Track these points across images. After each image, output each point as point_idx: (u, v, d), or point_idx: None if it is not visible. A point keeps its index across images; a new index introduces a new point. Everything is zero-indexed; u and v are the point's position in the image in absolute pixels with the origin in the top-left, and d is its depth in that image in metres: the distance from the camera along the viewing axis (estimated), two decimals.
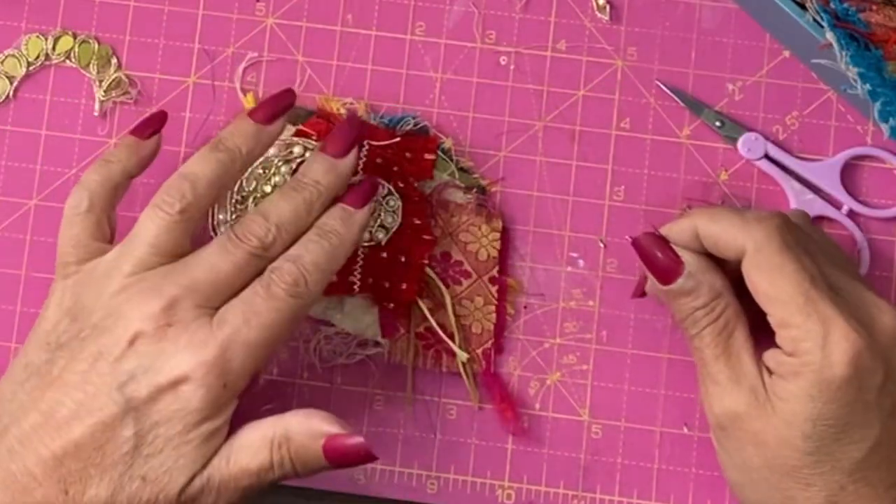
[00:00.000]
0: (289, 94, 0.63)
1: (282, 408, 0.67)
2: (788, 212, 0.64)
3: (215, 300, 0.58)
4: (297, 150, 0.67)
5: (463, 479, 0.67)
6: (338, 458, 0.58)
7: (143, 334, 0.57)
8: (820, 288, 0.57)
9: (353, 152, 0.62)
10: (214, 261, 0.59)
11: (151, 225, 0.59)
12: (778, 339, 0.58)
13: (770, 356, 0.59)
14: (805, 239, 0.60)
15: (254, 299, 0.58)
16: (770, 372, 0.59)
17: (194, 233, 0.61)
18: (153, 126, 0.63)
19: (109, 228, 0.62)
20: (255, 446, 0.58)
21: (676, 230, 0.61)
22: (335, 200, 0.62)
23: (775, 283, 0.58)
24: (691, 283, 0.60)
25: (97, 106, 0.69)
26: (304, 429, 0.58)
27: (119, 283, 0.58)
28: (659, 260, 0.61)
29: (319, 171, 0.61)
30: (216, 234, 0.67)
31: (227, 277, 0.59)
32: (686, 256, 0.60)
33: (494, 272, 0.67)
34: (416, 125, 0.68)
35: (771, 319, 0.58)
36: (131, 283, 0.58)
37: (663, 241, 0.61)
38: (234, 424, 0.67)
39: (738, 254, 0.59)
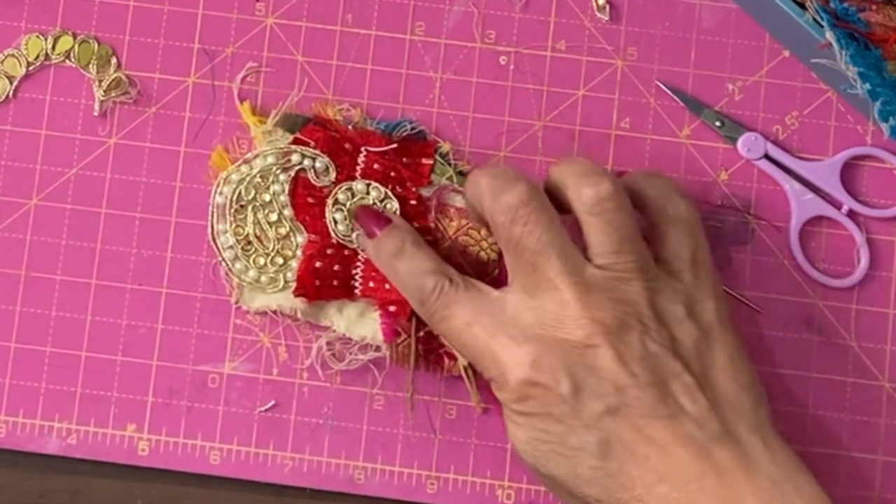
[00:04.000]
0: None
1: (282, 408, 0.67)
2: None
3: None
4: (295, 157, 0.67)
5: (463, 479, 0.67)
6: None
7: None
8: (480, 328, 0.59)
9: None
10: None
11: None
12: None
13: None
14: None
15: None
16: None
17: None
18: None
19: None
20: None
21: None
22: None
23: (453, 345, 0.62)
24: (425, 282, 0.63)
25: (97, 106, 0.69)
26: None
27: None
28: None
29: None
30: (216, 244, 0.67)
31: None
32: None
33: (495, 275, 0.67)
34: (413, 129, 0.68)
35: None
36: None
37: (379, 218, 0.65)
38: (235, 426, 0.67)
39: None
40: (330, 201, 0.67)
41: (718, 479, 0.56)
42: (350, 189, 0.67)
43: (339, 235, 0.67)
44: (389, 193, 0.67)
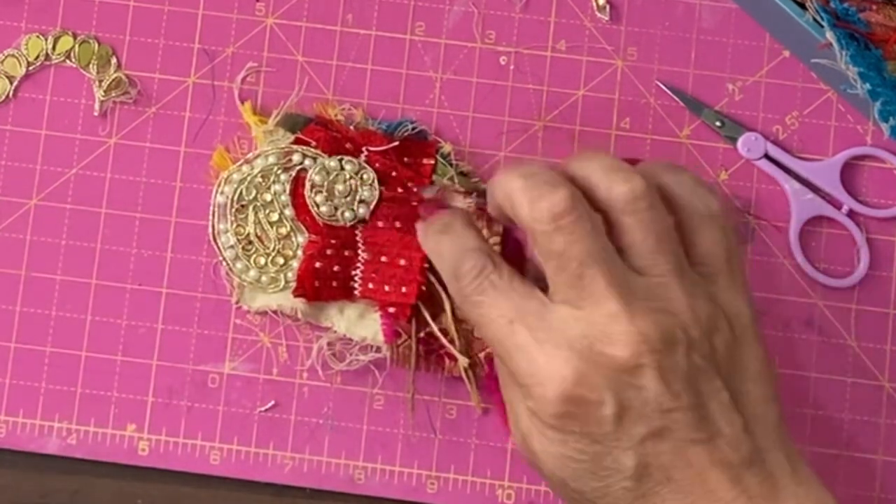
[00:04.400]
0: None
1: (282, 408, 0.67)
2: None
3: None
4: (296, 157, 0.67)
5: (463, 479, 0.67)
6: None
7: None
8: (523, 329, 0.56)
9: None
10: None
11: None
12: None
13: None
14: (570, 230, 0.55)
15: None
16: None
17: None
18: None
19: None
20: None
21: None
22: None
23: (481, 333, 0.58)
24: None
25: (97, 106, 0.69)
26: None
27: None
28: None
29: None
30: (217, 243, 0.67)
31: None
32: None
33: None
34: (414, 130, 0.68)
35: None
36: None
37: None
38: (235, 426, 0.67)
39: None
40: (308, 186, 0.67)
41: (749, 503, 0.55)
42: (324, 168, 0.67)
43: (325, 218, 0.66)
44: (364, 164, 0.67)
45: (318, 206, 0.67)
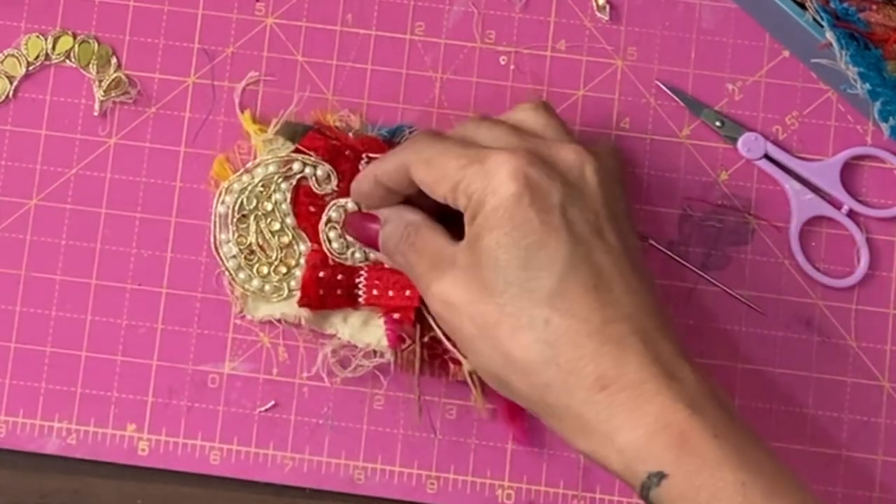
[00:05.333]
0: None
1: (282, 408, 0.67)
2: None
3: None
4: (296, 166, 0.67)
5: (463, 479, 0.67)
6: None
7: None
8: (474, 143, 0.60)
9: None
10: None
11: None
12: (459, 207, 0.59)
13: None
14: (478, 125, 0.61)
15: None
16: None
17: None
18: None
19: None
20: None
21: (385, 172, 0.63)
22: None
23: (433, 166, 0.59)
24: (390, 227, 0.63)
25: (97, 106, 0.69)
26: None
27: None
28: (369, 231, 0.65)
29: None
30: (219, 254, 0.67)
31: None
32: (383, 213, 0.64)
33: None
34: (412, 134, 0.68)
35: (448, 201, 0.60)
36: None
37: (369, 217, 0.65)
38: (235, 426, 0.67)
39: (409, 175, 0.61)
40: (323, 219, 0.67)
41: (664, 321, 0.58)
42: (343, 207, 0.66)
43: (335, 254, 0.66)
44: None
45: (330, 241, 0.66)
